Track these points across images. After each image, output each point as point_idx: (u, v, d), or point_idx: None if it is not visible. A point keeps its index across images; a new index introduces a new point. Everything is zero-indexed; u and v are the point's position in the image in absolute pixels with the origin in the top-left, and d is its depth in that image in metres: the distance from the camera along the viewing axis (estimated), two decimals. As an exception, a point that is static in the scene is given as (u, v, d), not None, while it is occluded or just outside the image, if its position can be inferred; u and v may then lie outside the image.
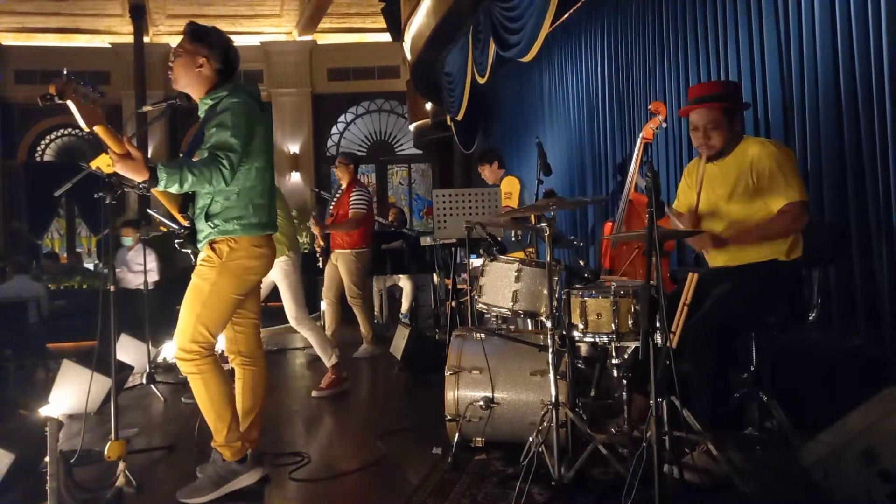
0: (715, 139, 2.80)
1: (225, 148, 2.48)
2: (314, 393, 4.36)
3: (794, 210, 2.67)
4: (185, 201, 2.69)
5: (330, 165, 15.38)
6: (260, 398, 2.84)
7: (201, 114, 2.68)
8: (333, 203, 5.67)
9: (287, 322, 4.52)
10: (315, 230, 5.60)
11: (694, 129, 2.85)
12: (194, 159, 2.56)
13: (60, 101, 2.26)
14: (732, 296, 2.68)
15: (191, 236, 2.70)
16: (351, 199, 5.54)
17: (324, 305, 5.71)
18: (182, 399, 4.38)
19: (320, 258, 5.68)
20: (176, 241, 2.74)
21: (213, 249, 2.63)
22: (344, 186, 5.65)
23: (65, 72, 2.29)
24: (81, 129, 2.30)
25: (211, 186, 2.48)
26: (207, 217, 2.62)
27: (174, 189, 2.43)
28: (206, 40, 2.66)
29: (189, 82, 2.67)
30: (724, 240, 2.78)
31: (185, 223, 2.69)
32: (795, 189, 2.67)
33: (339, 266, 5.57)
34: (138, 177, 2.35)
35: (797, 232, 2.73)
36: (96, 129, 2.31)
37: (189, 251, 2.75)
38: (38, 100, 2.30)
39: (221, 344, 2.82)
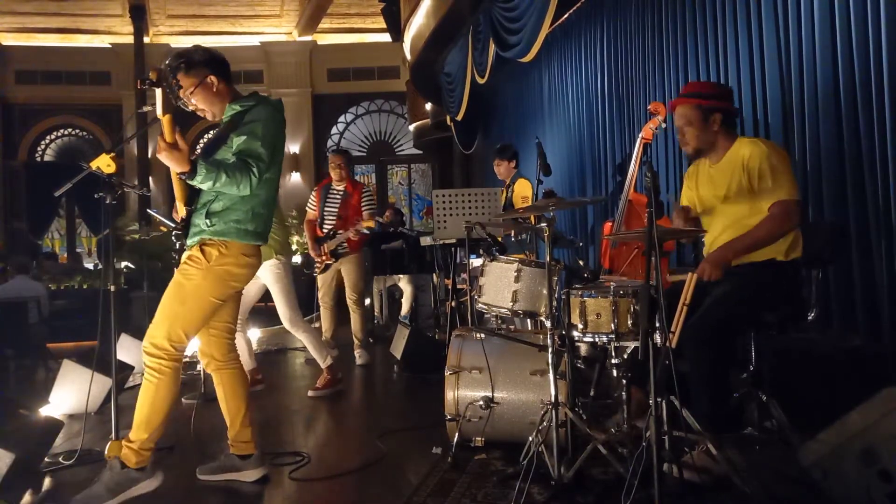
0: (688, 136, 2.83)
1: (255, 157, 2.54)
2: (310, 393, 4.37)
3: (783, 209, 2.65)
4: (192, 194, 2.70)
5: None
6: (244, 399, 2.82)
7: (225, 118, 2.71)
8: (339, 205, 5.40)
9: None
10: (353, 235, 5.24)
11: (677, 127, 2.90)
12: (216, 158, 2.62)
13: (155, 87, 2.48)
14: (731, 296, 2.68)
15: (187, 228, 2.70)
16: (364, 200, 5.39)
17: (321, 309, 5.56)
18: (182, 399, 4.39)
19: (319, 267, 5.41)
20: (174, 232, 2.74)
21: (202, 251, 2.63)
22: (345, 186, 5.43)
23: (167, 61, 2.60)
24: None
25: (237, 190, 2.53)
26: (208, 214, 2.63)
27: (206, 186, 2.49)
28: (196, 62, 2.67)
29: (217, 107, 2.72)
30: (724, 258, 2.72)
31: (184, 215, 2.70)
32: (785, 188, 2.66)
33: (347, 267, 5.38)
34: (179, 168, 2.44)
35: (788, 231, 2.70)
36: (166, 116, 2.47)
37: (181, 243, 2.74)
38: (138, 82, 2.55)
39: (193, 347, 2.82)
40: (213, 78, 2.67)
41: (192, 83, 2.65)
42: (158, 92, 2.49)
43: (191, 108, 2.71)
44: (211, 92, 2.68)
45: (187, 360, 5.48)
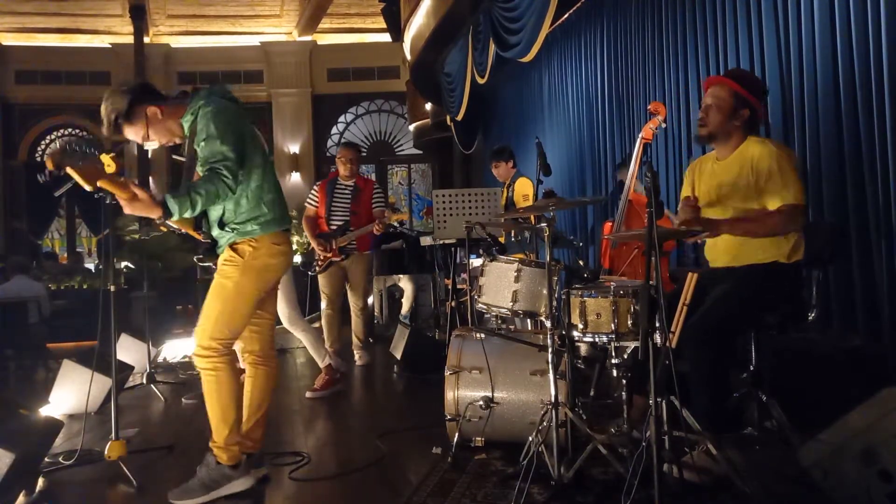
0: (711, 118, 2.77)
1: (219, 158, 2.47)
2: (308, 394, 4.37)
3: (791, 211, 2.64)
4: (199, 219, 2.70)
5: (330, 166, 15.37)
6: (268, 397, 2.85)
7: (187, 132, 2.68)
8: (350, 200, 5.03)
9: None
10: (378, 229, 4.89)
11: (704, 103, 2.82)
12: (195, 178, 2.60)
13: (61, 173, 2.33)
14: (732, 296, 2.68)
15: (210, 250, 2.71)
16: (374, 197, 5.09)
17: (324, 312, 5.06)
18: (182, 399, 4.39)
19: (318, 266, 5.02)
20: (196, 258, 2.76)
21: (234, 250, 2.64)
22: (355, 181, 5.08)
23: (56, 142, 2.33)
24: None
25: (222, 199, 2.49)
26: (223, 225, 2.64)
27: (188, 214, 2.45)
28: (130, 108, 2.60)
29: (175, 129, 2.68)
30: (716, 223, 2.70)
31: (202, 239, 2.71)
32: (792, 191, 2.65)
33: (356, 268, 5.02)
34: (151, 214, 2.38)
35: (789, 232, 2.69)
36: (100, 184, 2.35)
37: (211, 264, 2.75)
38: (39, 177, 2.38)
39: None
40: (152, 108, 2.62)
41: (141, 127, 2.62)
42: (71, 172, 2.34)
43: (155, 147, 2.68)
44: (160, 121, 2.64)
45: (186, 359, 5.52)
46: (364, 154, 15.28)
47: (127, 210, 2.36)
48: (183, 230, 2.72)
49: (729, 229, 2.72)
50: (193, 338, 2.65)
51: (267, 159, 2.74)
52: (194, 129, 2.61)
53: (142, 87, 2.68)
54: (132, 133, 2.64)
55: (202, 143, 2.52)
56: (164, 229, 2.67)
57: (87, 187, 2.35)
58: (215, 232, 2.68)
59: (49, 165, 2.32)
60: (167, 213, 2.38)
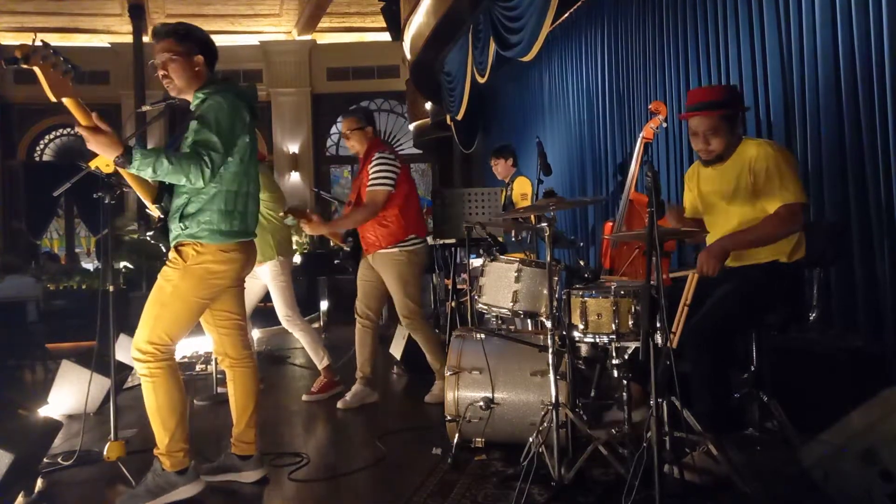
0: (715, 144, 2.77)
1: (208, 146, 2.43)
2: (305, 397, 4.30)
3: (787, 212, 2.64)
4: (161, 192, 2.63)
5: (330, 165, 15.38)
6: (252, 398, 2.81)
7: (193, 108, 2.61)
8: (353, 184, 4.16)
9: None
10: (328, 232, 4.04)
11: (693, 134, 2.81)
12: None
13: (25, 66, 2.23)
14: (732, 296, 2.68)
15: (163, 229, 2.63)
16: (370, 171, 3.83)
17: (357, 326, 4.18)
18: (194, 401, 4.37)
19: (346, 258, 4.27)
20: (147, 233, 2.68)
21: (178, 252, 2.59)
22: (361, 156, 4.00)
23: (36, 38, 2.25)
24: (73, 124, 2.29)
25: (188, 182, 2.41)
26: (181, 218, 2.56)
27: (147, 174, 2.36)
28: (192, 37, 2.61)
29: (188, 84, 2.61)
30: (723, 250, 2.69)
31: (157, 214, 2.64)
32: (791, 191, 2.65)
33: (383, 273, 4.02)
34: (111, 152, 2.29)
35: (791, 233, 2.70)
36: (65, 100, 2.30)
37: (161, 244, 2.67)
38: (2, 62, 2.26)
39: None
40: (200, 58, 2.60)
41: (174, 56, 2.57)
42: (37, 71, 2.25)
43: (160, 73, 2.60)
44: (191, 70, 2.59)
45: (186, 360, 5.50)
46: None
47: (89, 144, 2.28)
48: (139, 194, 2.62)
49: (733, 247, 2.71)
50: (133, 340, 2.58)
51: (249, 170, 2.66)
52: (198, 109, 2.55)
53: (214, 49, 2.67)
54: (174, 51, 2.56)
55: (196, 126, 2.47)
56: (124, 178, 2.57)
57: (51, 96, 2.28)
58: (172, 223, 2.59)
59: (17, 53, 2.19)
60: (127, 159, 2.29)
